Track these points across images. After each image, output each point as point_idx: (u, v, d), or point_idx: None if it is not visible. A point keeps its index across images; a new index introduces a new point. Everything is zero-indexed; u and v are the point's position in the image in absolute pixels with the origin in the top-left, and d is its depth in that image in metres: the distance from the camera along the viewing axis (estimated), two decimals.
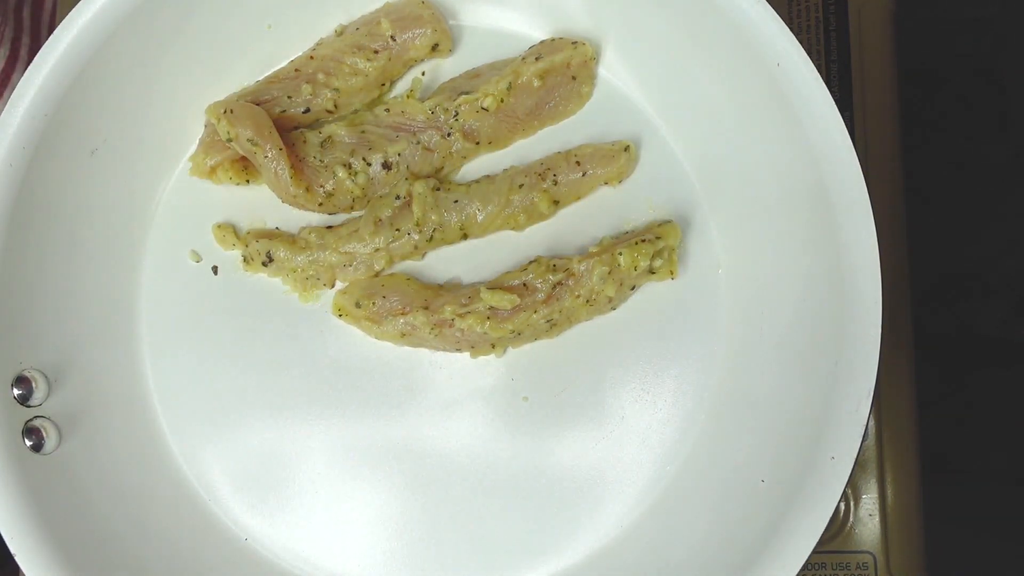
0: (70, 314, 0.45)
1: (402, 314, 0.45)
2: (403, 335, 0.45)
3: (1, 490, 0.40)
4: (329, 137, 0.47)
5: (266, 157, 0.44)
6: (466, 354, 0.46)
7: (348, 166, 0.46)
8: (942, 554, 0.53)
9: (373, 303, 0.45)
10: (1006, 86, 0.72)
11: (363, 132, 0.47)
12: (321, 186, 0.46)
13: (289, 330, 0.47)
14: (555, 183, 0.46)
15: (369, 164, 0.46)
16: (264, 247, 0.46)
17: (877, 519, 0.52)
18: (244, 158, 0.46)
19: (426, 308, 0.45)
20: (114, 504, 0.44)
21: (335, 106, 0.47)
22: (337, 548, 0.46)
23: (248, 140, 0.44)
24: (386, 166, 0.46)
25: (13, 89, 0.42)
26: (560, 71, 0.46)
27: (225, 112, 0.44)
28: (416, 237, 0.45)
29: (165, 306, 0.48)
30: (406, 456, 0.46)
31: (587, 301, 0.44)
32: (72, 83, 0.42)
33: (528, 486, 0.46)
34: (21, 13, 0.60)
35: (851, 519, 0.52)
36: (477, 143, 0.47)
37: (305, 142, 0.46)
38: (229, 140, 0.45)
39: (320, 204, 0.46)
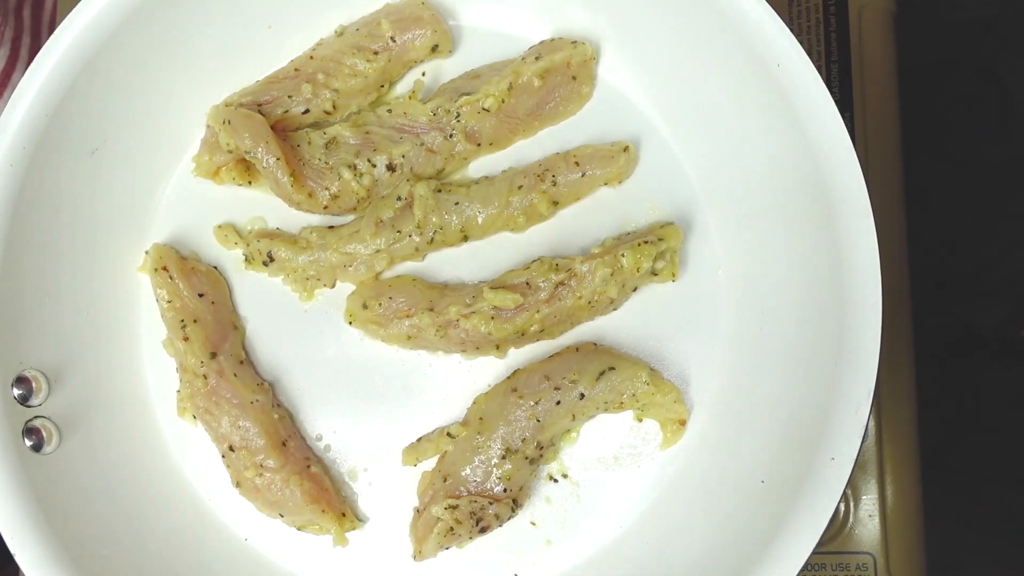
0: (70, 314, 0.45)
1: (407, 316, 0.45)
2: (409, 338, 0.45)
3: (1, 490, 0.40)
4: (334, 139, 0.46)
5: (265, 167, 0.45)
6: (467, 354, 0.46)
7: (353, 167, 0.46)
8: (942, 554, 0.53)
9: (380, 304, 0.45)
10: (1006, 86, 0.72)
11: (367, 133, 0.47)
12: (326, 188, 0.46)
13: (289, 330, 0.47)
14: (554, 184, 0.46)
15: (374, 165, 0.46)
16: (265, 247, 0.46)
17: (877, 520, 0.52)
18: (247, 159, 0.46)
19: (431, 310, 0.45)
20: (114, 504, 0.44)
21: (334, 107, 0.47)
22: (337, 548, 0.46)
23: (247, 151, 0.44)
24: (390, 167, 0.46)
25: (14, 89, 0.42)
26: (560, 70, 0.46)
27: (224, 123, 0.45)
28: (417, 239, 0.45)
29: None
30: None
31: (589, 303, 0.44)
32: (72, 83, 0.42)
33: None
34: (22, 13, 0.60)
35: (851, 520, 0.52)
36: (478, 144, 0.47)
37: (310, 143, 0.46)
38: (230, 151, 0.45)
39: (324, 207, 0.46)
